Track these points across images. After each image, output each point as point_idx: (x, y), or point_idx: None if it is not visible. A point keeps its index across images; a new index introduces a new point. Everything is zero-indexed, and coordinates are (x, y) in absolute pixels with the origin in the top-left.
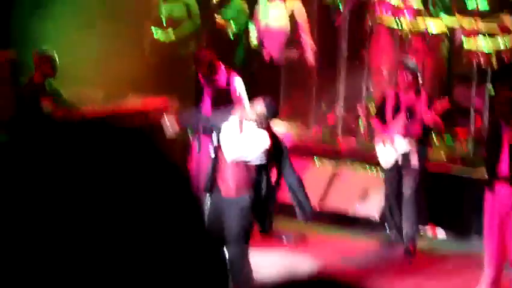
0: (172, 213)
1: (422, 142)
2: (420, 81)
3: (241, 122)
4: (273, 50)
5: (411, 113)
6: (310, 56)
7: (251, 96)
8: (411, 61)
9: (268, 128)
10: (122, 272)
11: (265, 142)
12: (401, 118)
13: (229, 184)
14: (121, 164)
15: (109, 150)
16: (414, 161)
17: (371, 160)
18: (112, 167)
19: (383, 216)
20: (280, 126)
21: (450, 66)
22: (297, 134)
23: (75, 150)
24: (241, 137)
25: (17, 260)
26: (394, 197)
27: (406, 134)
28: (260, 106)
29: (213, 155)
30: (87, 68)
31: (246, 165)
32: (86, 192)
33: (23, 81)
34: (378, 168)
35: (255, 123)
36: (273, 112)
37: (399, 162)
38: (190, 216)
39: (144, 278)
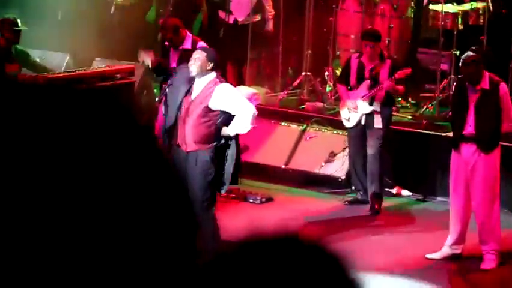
0: (138, 172)
1: (386, 104)
2: (385, 53)
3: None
4: (239, 15)
5: (375, 80)
6: (269, 23)
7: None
8: (373, 32)
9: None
10: (89, 232)
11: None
12: (365, 85)
13: (186, 139)
14: (88, 125)
15: (74, 113)
16: (378, 122)
17: (337, 122)
18: (78, 129)
19: (348, 176)
20: (247, 89)
21: (417, 29)
22: (264, 98)
23: (40, 113)
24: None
25: None
26: (358, 156)
27: (369, 99)
28: (199, 52)
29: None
30: (53, 32)
31: (199, 119)
32: (51, 156)
33: None
34: (344, 131)
35: (196, 66)
36: (212, 56)
37: (362, 122)
38: (157, 174)
39: (112, 236)
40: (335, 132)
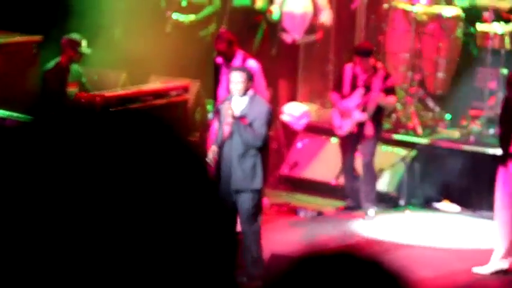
0: (183, 187)
1: (377, 112)
2: (380, 64)
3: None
4: (294, 34)
5: (368, 89)
6: (324, 13)
7: (269, 80)
8: (364, 49)
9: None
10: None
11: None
12: (358, 93)
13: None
14: (141, 144)
15: (130, 134)
16: (369, 130)
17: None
18: (133, 148)
19: (400, 191)
20: (299, 106)
21: (465, 48)
22: (316, 114)
23: (94, 132)
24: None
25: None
26: (349, 164)
27: (362, 107)
28: (239, 75)
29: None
30: (109, 50)
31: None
32: (107, 171)
33: (49, 65)
34: (394, 147)
35: (240, 89)
36: (251, 75)
37: (355, 132)
38: (203, 192)
39: (153, 246)
40: (383, 149)
